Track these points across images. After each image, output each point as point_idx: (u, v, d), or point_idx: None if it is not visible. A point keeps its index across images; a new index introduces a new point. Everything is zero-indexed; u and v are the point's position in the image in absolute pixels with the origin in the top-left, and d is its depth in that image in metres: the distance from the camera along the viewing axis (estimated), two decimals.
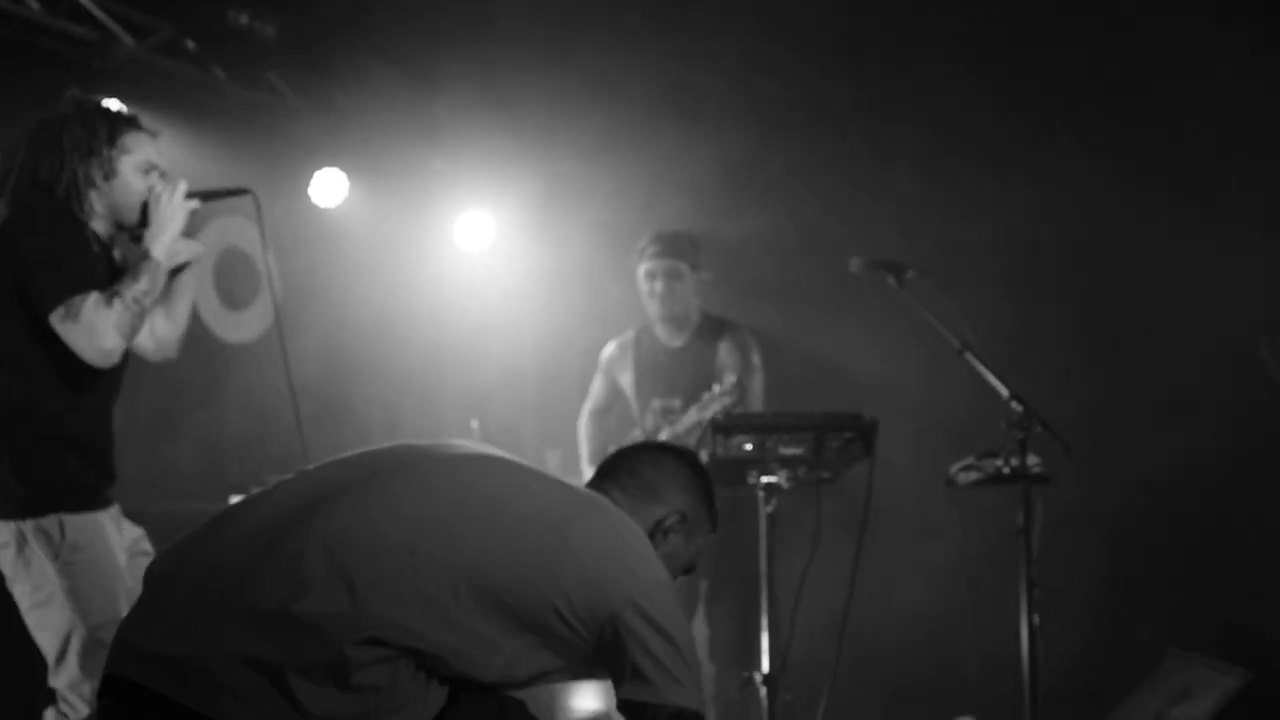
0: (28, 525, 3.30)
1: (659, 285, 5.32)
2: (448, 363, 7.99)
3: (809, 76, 6.61)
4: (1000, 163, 6.24)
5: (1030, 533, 4.38)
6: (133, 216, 3.55)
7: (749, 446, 4.21)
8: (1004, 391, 4.45)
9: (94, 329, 3.28)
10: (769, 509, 4.27)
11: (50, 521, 3.31)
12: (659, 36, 6.85)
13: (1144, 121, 6.30)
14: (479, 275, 8.35)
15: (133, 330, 3.38)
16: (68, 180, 3.47)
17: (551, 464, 7.11)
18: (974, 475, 4.51)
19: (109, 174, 3.51)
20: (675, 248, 5.38)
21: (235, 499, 6.15)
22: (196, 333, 7.43)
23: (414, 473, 2.57)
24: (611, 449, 5.36)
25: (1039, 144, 6.32)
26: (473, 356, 8.10)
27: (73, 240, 3.45)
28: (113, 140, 3.53)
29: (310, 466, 2.76)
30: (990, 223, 6.10)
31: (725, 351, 5.25)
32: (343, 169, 7.77)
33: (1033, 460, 4.42)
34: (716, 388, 4.93)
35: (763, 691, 4.33)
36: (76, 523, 3.34)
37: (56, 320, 3.29)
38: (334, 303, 7.85)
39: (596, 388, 5.66)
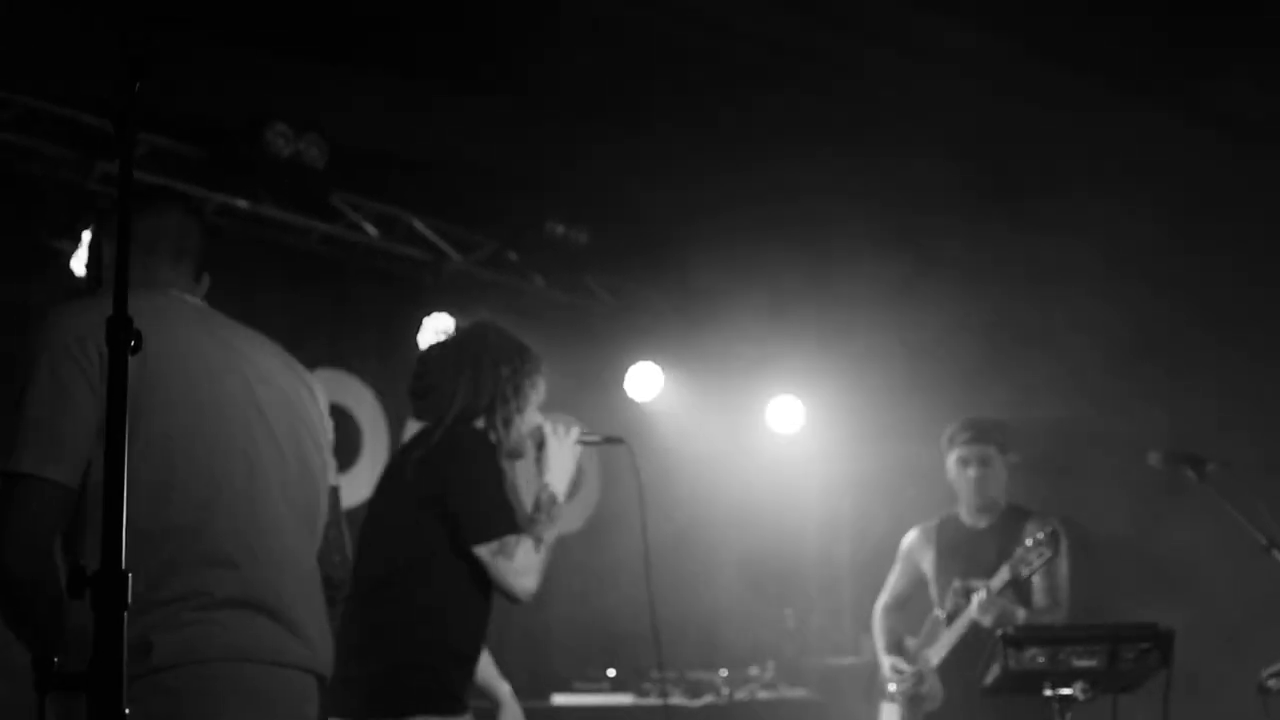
0: None
1: (972, 471, 5.22)
2: (762, 551, 8.11)
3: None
4: None
5: None
6: (523, 452, 3.58)
7: (1041, 659, 4.15)
8: None
9: (527, 571, 3.35)
10: None
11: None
12: (995, 225, 6.89)
13: None
14: (792, 460, 8.50)
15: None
16: (501, 411, 3.50)
17: (867, 652, 7.10)
18: None
19: (522, 408, 3.55)
20: (986, 433, 5.31)
21: (559, 698, 6.51)
22: None
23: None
24: (908, 640, 5.41)
25: None
26: (787, 545, 8.21)
27: (500, 473, 3.46)
28: (535, 376, 3.60)
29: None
30: None
31: (1031, 533, 5.15)
32: (656, 362, 8.10)
33: None
34: (1030, 540, 4.80)
35: None
36: None
37: (486, 553, 3.33)
38: (652, 493, 8.09)
39: (894, 578, 5.57)
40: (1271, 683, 4.31)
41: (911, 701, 5.20)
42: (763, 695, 6.92)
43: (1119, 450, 5.12)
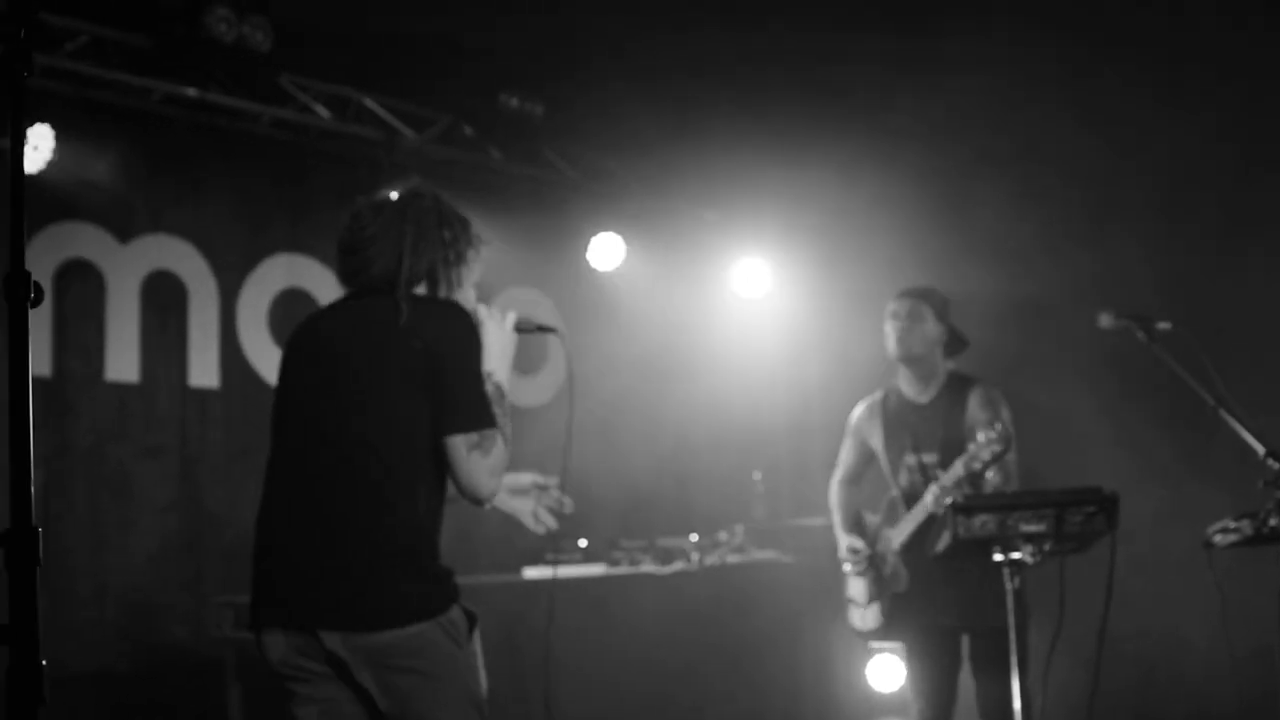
0: (444, 620, 3.04)
1: (898, 325, 5.18)
2: (730, 414, 8.18)
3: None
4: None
5: None
6: None
7: (991, 526, 4.22)
8: (1260, 449, 4.29)
9: (495, 470, 3.02)
10: (1014, 585, 4.28)
11: (456, 613, 3.07)
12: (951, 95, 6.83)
13: None
14: (759, 323, 8.53)
15: None
16: (443, 279, 3.20)
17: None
18: (1232, 537, 4.37)
19: (462, 281, 3.24)
20: (920, 292, 5.29)
21: (530, 571, 6.62)
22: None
23: None
24: (867, 515, 5.47)
25: None
26: (756, 407, 8.27)
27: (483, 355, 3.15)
28: (476, 247, 3.28)
29: None
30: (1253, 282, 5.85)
31: (975, 406, 5.10)
32: (619, 232, 8.10)
33: None
34: (982, 436, 4.84)
35: None
36: (466, 609, 3.12)
37: (463, 445, 2.99)
38: (617, 361, 8.17)
39: (846, 453, 5.55)
40: (1217, 538, 4.39)
41: (874, 582, 5.27)
42: (732, 559, 7.04)
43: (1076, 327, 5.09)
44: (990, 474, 4.91)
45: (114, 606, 6.39)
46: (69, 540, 6.32)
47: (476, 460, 2.97)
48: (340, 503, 3.01)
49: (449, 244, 3.18)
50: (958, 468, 4.84)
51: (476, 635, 3.10)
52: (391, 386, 3.03)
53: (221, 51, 6.40)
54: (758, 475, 7.82)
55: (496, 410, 3.08)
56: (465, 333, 3.07)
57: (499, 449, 3.01)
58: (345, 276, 3.25)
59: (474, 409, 3.01)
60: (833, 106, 7.51)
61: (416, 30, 6.96)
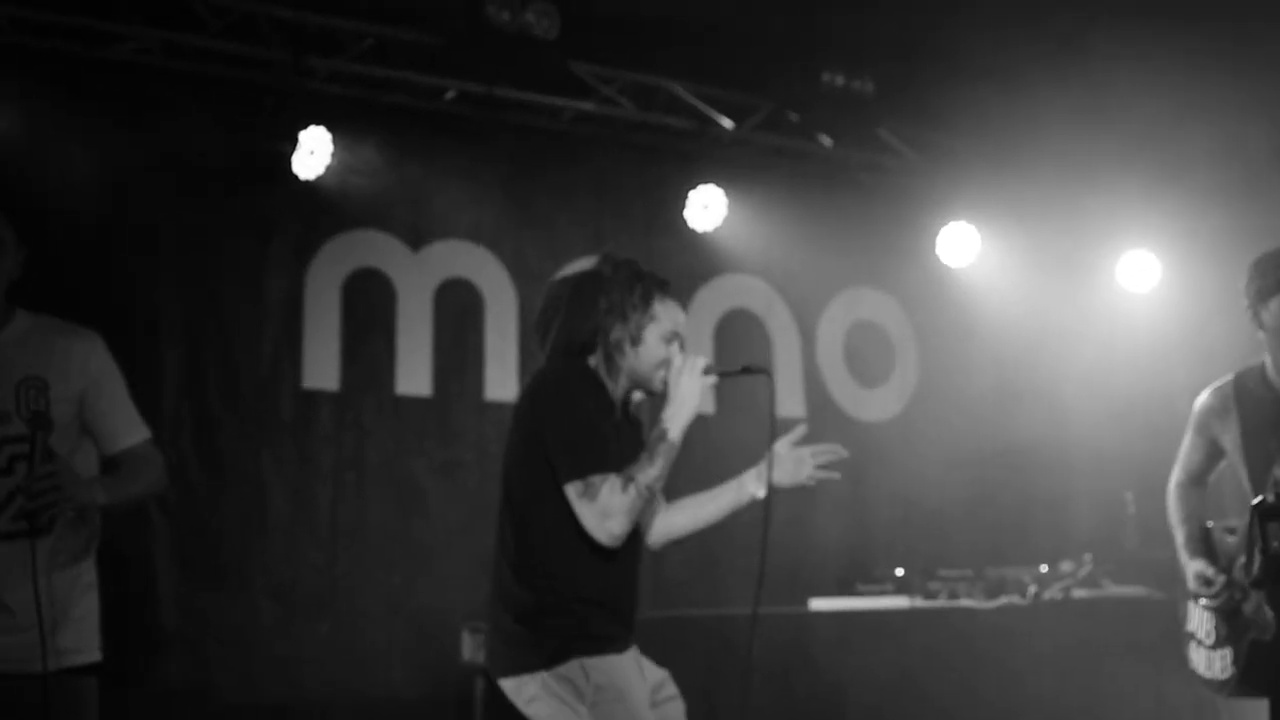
0: (550, 676, 3.23)
1: None
2: (1104, 427, 7.07)
3: None
4: None
5: None
6: (652, 384, 3.41)
7: None
8: None
9: (608, 513, 3.22)
10: None
11: (572, 668, 3.23)
12: None
13: None
14: (1143, 323, 7.36)
15: (640, 515, 3.30)
16: (601, 343, 3.39)
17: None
18: None
19: (635, 340, 3.38)
20: None
21: (816, 602, 5.86)
22: (829, 413, 7.29)
23: None
24: (1220, 533, 4.29)
25: None
26: (1134, 419, 7.10)
27: (600, 409, 3.36)
28: (646, 306, 3.40)
29: None
30: None
31: None
32: (972, 221, 7.20)
33: None
34: None
35: None
36: (599, 665, 3.25)
37: (573, 494, 3.23)
38: (972, 368, 7.26)
39: (1189, 449, 4.30)
40: None
41: (1228, 619, 4.09)
42: (1079, 594, 5.93)
43: None
44: None
45: (405, 629, 6.14)
46: (359, 559, 6.13)
47: (584, 506, 3.19)
48: (494, 559, 3.40)
49: (607, 310, 3.34)
50: None
51: (608, 699, 3.17)
52: (515, 452, 3.34)
53: (506, 43, 6.04)
54: (1129, 496, 6.63)
55: (644, 455, 3.24)
56: (552, 391, 3.30)
57: (606, 492, 3.17)
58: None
59: (571, 459, 3.21)
60: (1231, 64, 6.36)
61: (722, 7, 6.37)
